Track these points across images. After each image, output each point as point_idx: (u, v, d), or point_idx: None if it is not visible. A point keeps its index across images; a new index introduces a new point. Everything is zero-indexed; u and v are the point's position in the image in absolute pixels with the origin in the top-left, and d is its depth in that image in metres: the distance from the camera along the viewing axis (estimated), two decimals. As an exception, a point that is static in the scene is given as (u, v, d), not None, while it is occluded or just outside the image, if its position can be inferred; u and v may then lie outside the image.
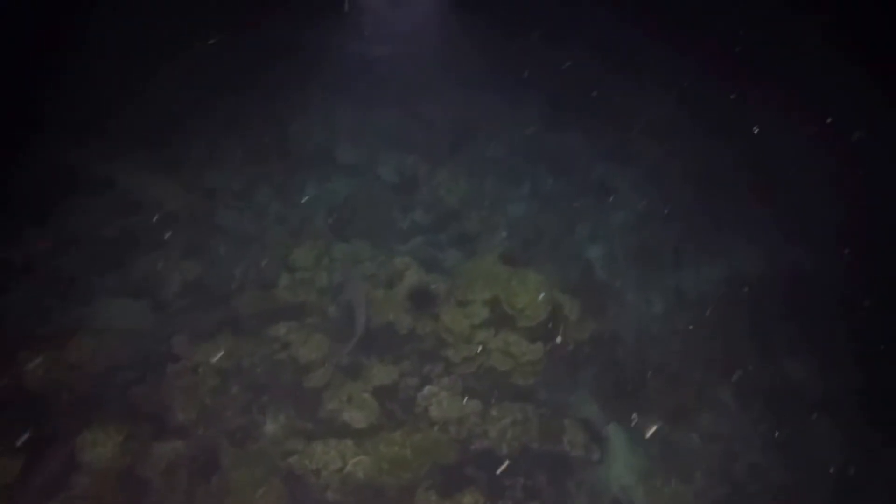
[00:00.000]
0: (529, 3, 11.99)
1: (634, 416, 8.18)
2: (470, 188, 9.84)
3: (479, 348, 7.63)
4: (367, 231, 9.18)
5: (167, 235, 8.33)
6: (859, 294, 9.89)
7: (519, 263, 8.79)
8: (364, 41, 11.01)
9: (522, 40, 11.88)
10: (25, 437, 6.37)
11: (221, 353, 7.44)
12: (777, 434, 8.37)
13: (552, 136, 11.02)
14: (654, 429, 8.18)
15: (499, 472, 7.00)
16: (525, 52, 11.87)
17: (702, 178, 10.54)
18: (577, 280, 9.02)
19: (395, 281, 8.24)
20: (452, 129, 10.61)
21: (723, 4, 11.48)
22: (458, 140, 10.53)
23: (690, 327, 9.04)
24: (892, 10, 10.03)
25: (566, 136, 11.01)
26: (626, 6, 11.75)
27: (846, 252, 10.21)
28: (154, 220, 8.42)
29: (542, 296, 7.90)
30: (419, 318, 7.92)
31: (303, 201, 9.38)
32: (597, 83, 11.57)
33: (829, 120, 10.89)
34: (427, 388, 7.50)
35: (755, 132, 10.87)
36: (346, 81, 10.83)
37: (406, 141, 10.24)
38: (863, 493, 8.08)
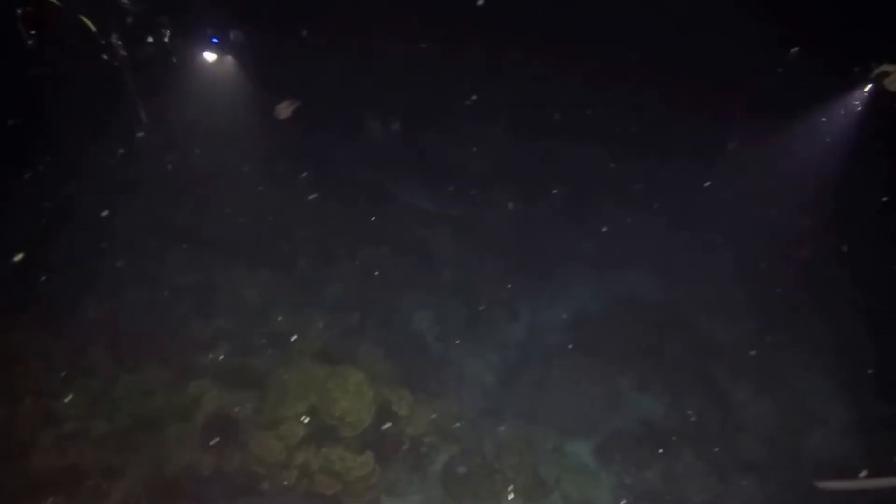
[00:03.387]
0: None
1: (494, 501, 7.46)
2: (275, 277, 8.78)
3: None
4: (161, 351, 7.80)
5: None
6: (704, 316, 9.91)
7: (340, 358, 7.82)
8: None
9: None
10: None
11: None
12: (643, 484, 7.97)
13: (370, 206, 10.27)
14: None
15: None
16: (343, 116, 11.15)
17: (524, 221, 10.23)
18: (409, 361, 8.18)
19: (191, 411, 6.95)
20: (251, 214, 9.51)
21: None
22: (259, 227, 9.46)
23: (536, 388, 8.49)
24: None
25: (383, 202, 10.30)
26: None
27: (687, 272, 10.26)
28: None
29: (364, 396, 6.96)
30: (223, 452, 6.67)
31: (77, 328, 7.83)
32: (414, 140, 11.10)
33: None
34: (243, 537, 6.28)
35: (569, 169, 10.83)
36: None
37: (198, 237, 9.00)
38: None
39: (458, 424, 7.90)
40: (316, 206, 10.17)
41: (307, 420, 6.88)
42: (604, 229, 10.23)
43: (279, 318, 8.43)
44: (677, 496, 7.80)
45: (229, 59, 10.07)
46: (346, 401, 6.90)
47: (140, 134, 8.67)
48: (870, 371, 9.60)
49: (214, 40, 9.41)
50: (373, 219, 10.07)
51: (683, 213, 10.65)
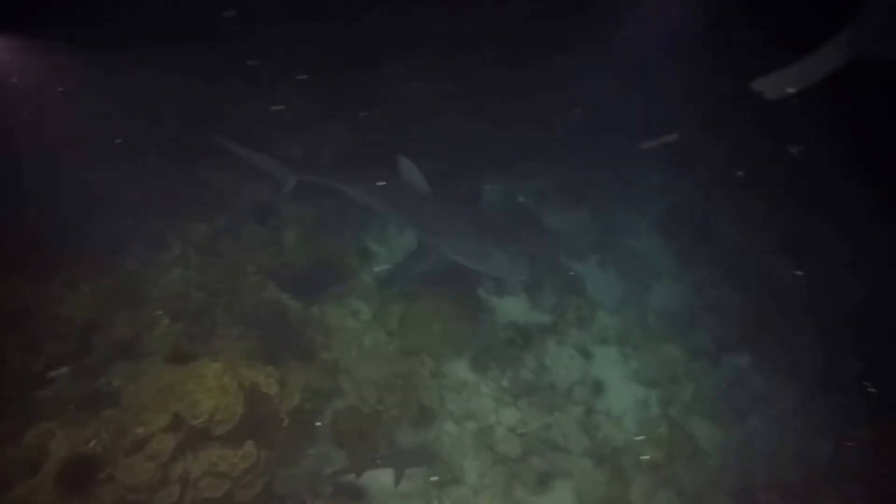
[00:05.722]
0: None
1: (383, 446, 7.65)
2: (101, 282, 7.92)
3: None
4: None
5: None
6: (547, 210, 10.32)
7: (195, 352, 7.39)
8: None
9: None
10: None
11: None
12: (519, 383, 8.49)
13: (190, 170, 9.41)
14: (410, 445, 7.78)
15: None
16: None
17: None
18: (269, 332, 7.90)
19: (37, 462, 6.32)
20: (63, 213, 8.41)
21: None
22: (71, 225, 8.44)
23: (402, 322, 8.57)
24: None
25: (208, 167, 9.46)
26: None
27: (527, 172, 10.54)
28: None
29: (228, 388, 6.68)
30: (90, 494, 6.21)
31: None
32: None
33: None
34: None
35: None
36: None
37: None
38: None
39: (333, 381, 7.92)
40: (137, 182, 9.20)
41: (174, 429, 6.51)
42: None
43: (117, 326, 7.73)
44: (551, 385, 8.47)
45: None
46: (211, 398, 6.57)
47: None
48: (689, 221, 10.74)
49: None
50: (200, 190, 9.26)
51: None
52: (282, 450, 7.07)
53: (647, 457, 7.85)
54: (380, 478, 7.30)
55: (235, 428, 6.59)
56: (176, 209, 9.02)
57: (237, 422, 6.61)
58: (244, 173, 9.38)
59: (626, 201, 10.69)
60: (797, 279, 9.62)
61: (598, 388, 8.61)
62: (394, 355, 8.29)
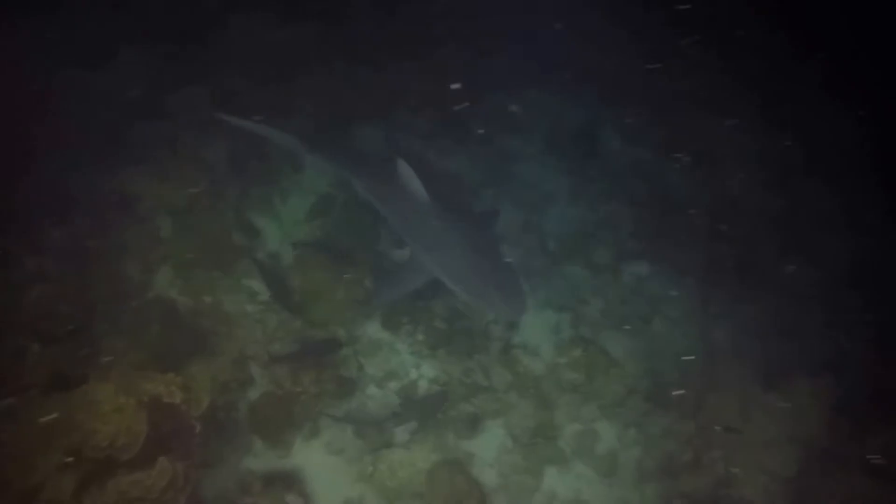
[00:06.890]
0: None
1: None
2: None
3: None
4: None
5: None
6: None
7: (80, 374, 6.65)
8: None
9: None
10: None
11: None
12: (433, 332, 8.42)
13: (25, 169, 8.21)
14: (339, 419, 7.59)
15: None
16: None
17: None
18: (160, 334, 7.28)
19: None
20: None
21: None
22: None
23: (302, 294, 8.14)
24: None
25: (48, 162, 8.32)
26: None
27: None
28: None
29: (125, 408, 6.12)
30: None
31: None
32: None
33: None
34: None
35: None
36: None
37: None
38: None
39: (242, 371, 7.50)
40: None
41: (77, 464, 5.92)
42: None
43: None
44: (466, 329, 8.45)
45: None
46: (108, 424, 5.99)
47: None
48: (577, 140, 10.84)
49: None
50: (43, 190, 8.15)
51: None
52: (200, 456, 6.65)
53: None
54: (311, 461, 7.10)
55: (143, 448, 6.06)
56: (17, 217, 7.89)
57: (143, 441, 6.09)
58: (92, 161, 8.34)
59: (512, 130, 10.57)
60: (685, 180, 10.04)
61: (511, 323, 8.69)
62: (302, 332, 7.92)
